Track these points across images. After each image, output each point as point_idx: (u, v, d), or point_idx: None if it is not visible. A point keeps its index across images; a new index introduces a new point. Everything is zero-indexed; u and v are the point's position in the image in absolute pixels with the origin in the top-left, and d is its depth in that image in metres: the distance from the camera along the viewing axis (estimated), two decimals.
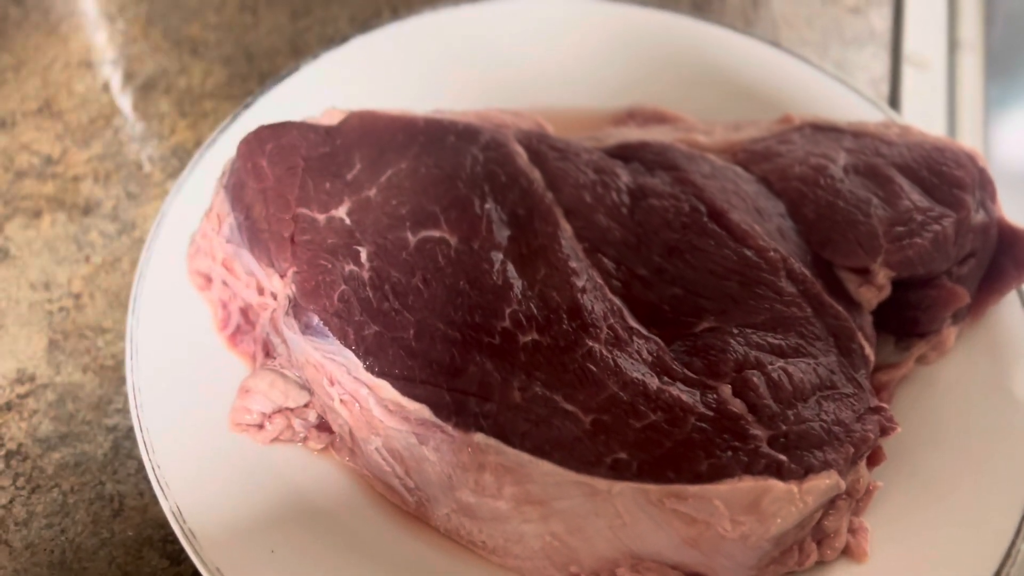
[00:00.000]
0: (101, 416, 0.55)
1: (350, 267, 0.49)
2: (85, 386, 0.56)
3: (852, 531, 0.48)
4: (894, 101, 0.74)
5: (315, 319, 0.47)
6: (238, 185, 0.52)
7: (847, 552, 0.47)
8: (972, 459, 0.51)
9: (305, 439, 0.50)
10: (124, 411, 0.55)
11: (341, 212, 0.51)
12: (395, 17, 0.69)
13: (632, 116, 0.68)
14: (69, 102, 0.70)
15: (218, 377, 0.52)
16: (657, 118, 0.67)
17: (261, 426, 0.50)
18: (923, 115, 0.72)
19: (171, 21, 0.76)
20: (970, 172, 0.54)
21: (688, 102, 0.68)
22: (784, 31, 0.79)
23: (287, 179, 0.51)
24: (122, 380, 0.56)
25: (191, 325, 0.53)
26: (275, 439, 0.50)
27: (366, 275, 0.49)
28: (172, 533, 0.47)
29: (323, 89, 0.64)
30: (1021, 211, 0.75)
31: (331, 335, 0.47)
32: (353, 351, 0.46)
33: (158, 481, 0.47)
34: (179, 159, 0.67)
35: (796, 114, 0.61)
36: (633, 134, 0.61)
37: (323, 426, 0.50)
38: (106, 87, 0.71)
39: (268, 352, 0.52)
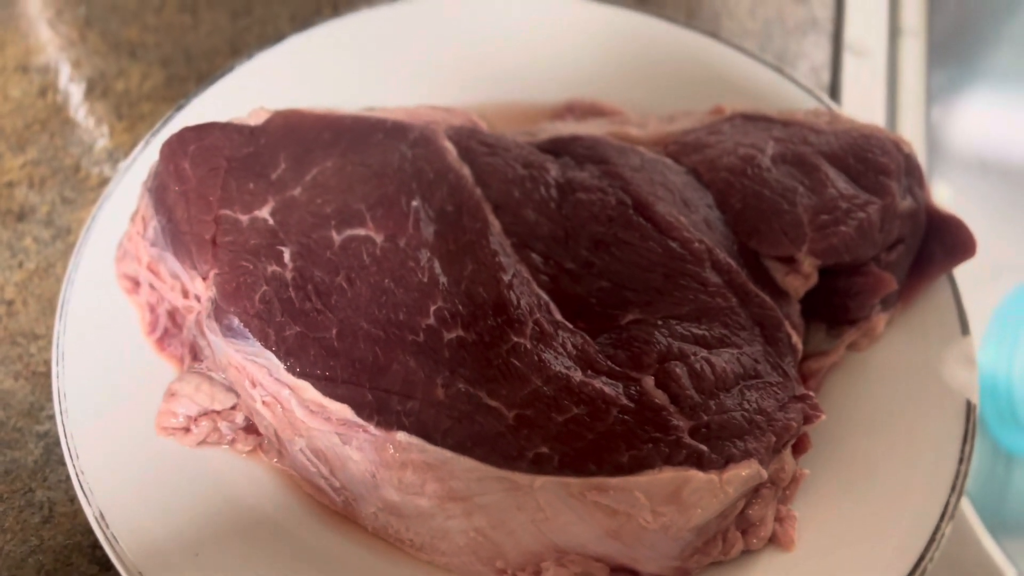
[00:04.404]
0: (32, 423, 0.55)
1: (272, 268, 0.49)
2: (16, 393, 0.56)
3: (780, 519, 0.48)
4: (834, 89, 0.74)
5: (236, 321, 0.47)
6: (161, 188, 0.52)
7: (774, 540, 0.48)
8: (900, 444, 0.51)
9: (233, 441, 0.50)
10: (55, 417, 0.55)
11: (264, 212, 0.51)
12: (335, 15, 0.69)
13: (571, 110, 0.68)
14: (4, 107, 0.69)
15: (146, 381, 0.51)
16: (595, 111, 0.67)
17: (187, 429, 0.49)
18: (863, 102, 0.72)
19: (110, 24, 0.75)
20: (895, 159, 0.54)
21: (628, 95, 0.68)
22: (726, 22, 0.79)
23: (209, 180, 0.51)
24: None
25: (119, 329, 0.53)
26: (202, 442, 0.50)
27: (289, 275, 0.49)
28: None
29: (258, 89, 0.64)
30: (962, 197, 0.76)
31: (251, 337, 0.46)
32: (273, 352, 0.46)
33: (82, 487, 0.47)
34: (116, 163, 0.67)
35: (731, 104, 0.62)
36: (566, 128, 0.61)
37: (251, 428, 0.50)
38: (43, 92, 0.71)
39: (196, 355, 0.52)
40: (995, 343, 0.84)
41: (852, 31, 0.77)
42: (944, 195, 0.85)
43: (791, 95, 0.66)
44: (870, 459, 0.51)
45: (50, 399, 0.56)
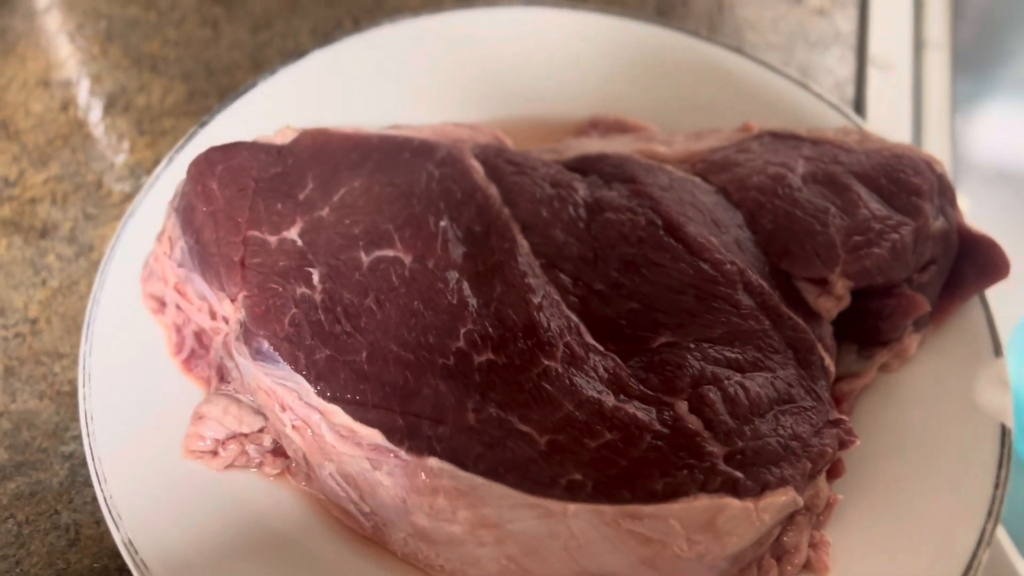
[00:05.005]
0: (57, 444, 0.55)
1: (302, 290, 0.48)
2: (41, 413, 0.56)
3: (813, 545, 0.47)
4: (859, 103, 0.73)
5: (265, 344, 0.46)
6: (188, 208, 0.51)
7: (808, 567, 0.47)
8: (934, 468, 0.50)
9: (260, 464, 0.50)
10: (81, 438, 0.54)
11: (293, 233, 0.50)
12: (356, 29, 0.68)
13: (594, 126, 0.67)
14: (26, 122, 0.69)
15: (172, 403, 0.51)
16: (619, 127, 0.66)
17: (215, 453, 0.49)
18: (888, 117, 0.72)
19: (131, 38, 0.75)
20: (928, 179, 0.53)
21: (651, 110, 0.68)
22: (749, 35, 0.78)
23: (237, 201, 0.51)
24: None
25: (145, 350, 0.53)
26: (230, 466, 0.49)
27: (318, 297, 0.49)
28: None
29: (281, 105, 0.63)
30: (989, 208, 0.75)
31: (281, 360, 0.46)
32: (304, 376, 0.46)
33: (110, 512, 0.46)
34: (138, 178, 0.67)
35: (757, 121, 0.61)
36: (593, 145, 0.61)
37: (279, 451, 0.50)
38: (64, 106, 0.71)
39: (223, 376, 0.51)
40: (1018, 355, 0.83)
41: (876, 45, 0.77)
42: (966, 205, 0.84)
43: (816, 110, 0.65)
44: (903, 483, 0.50)
45: (75, 419, 0.56)
